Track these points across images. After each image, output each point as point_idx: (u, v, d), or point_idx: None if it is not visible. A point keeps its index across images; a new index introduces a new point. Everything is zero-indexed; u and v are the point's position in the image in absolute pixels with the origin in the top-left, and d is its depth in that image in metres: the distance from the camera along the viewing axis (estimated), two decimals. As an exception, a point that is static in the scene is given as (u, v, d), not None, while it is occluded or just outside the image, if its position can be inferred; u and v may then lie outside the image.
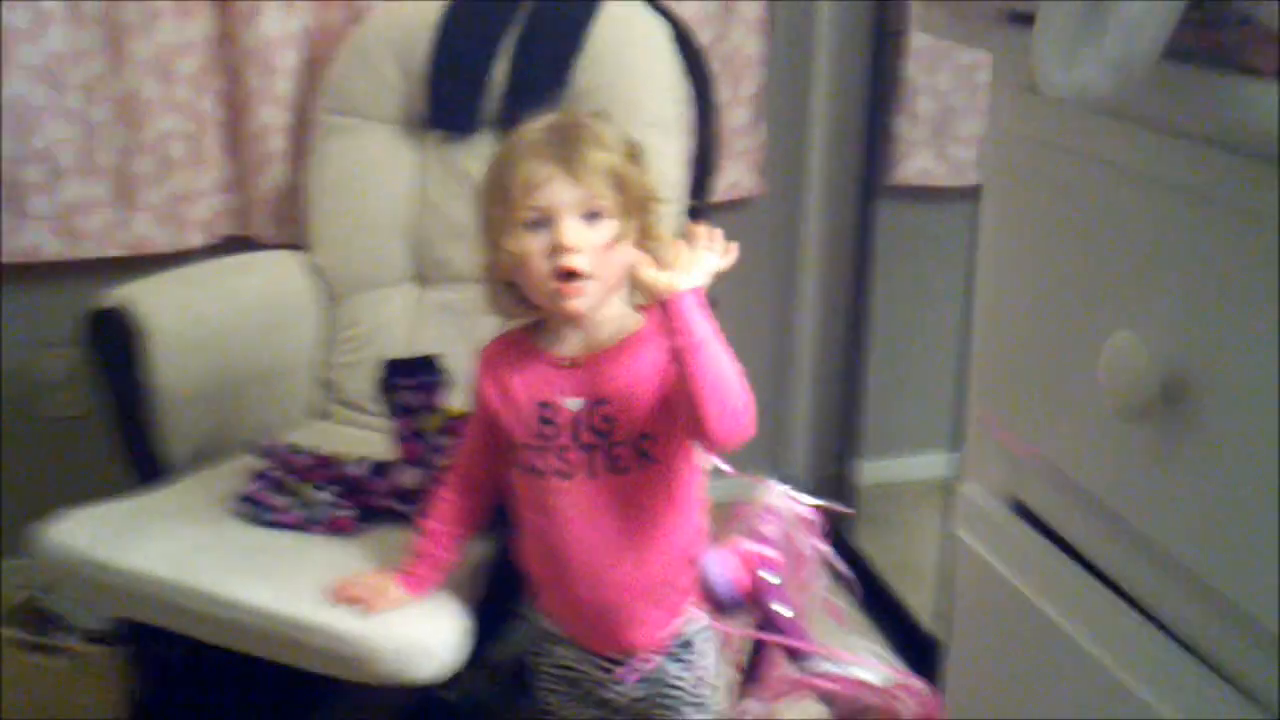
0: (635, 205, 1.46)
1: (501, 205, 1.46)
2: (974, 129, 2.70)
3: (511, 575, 1.68)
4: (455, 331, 2.16)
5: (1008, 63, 1.01)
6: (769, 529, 1.24)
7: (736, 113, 2.58)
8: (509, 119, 2.14)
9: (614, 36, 2.12)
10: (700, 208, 2.12)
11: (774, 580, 1.16)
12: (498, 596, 1.68)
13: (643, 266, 1.36)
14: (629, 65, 2.11)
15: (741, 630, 1.16)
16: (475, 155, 2.18)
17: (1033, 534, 0.98)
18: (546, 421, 1.48)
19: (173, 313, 1.93)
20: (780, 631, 1.12)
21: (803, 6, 2.63)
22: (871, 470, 2.76)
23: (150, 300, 1.92)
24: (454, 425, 1.92)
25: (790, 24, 2.63)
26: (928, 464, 2.86)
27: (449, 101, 2.18)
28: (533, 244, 1.44)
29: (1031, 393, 0.99)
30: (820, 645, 1.02)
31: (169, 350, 1.90)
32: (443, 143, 2.20)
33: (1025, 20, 0.84)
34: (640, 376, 1.46)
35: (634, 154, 1.48)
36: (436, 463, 1.83)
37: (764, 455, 1.37)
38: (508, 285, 1.51)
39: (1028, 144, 0.99)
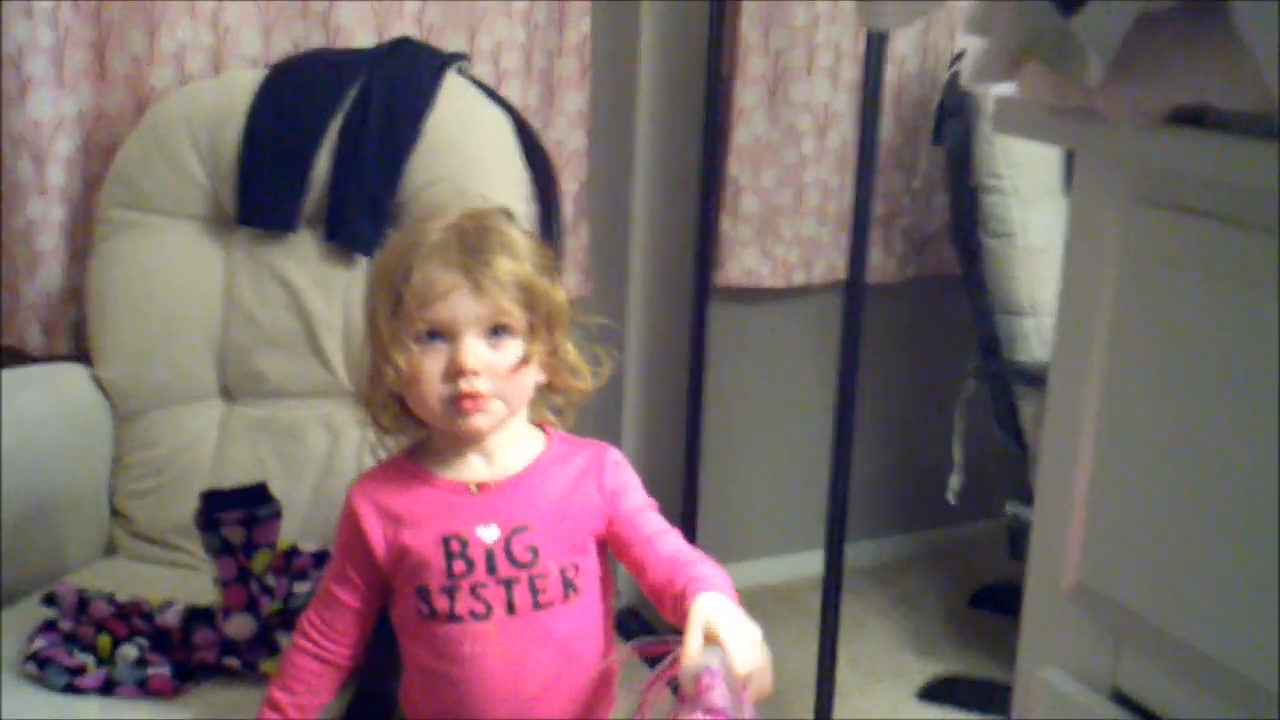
0: (543, 322, 1.28)
1: (392, 314, 1.26)
2: (798, 229, 2.63)
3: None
4: (271, 453, 1.91)
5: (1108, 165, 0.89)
6: (717, 697, 1.06)
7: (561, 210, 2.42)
8: (334, 217, 1.93)
9: (453, 127, 1.93)
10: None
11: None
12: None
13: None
14: (470, 159, 1.92)
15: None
16: (292, 256, 1.95)
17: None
18: (456, 556, 1.28)
19: (-64, 439, 1.62)
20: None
21: (625, 99, 2.52)
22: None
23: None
24: (286, 563, 1.68)
25: (613, 118, 2.51)
26: (763, 569, 2.76)
27: (262, 196, 1.94)
28: (427, 361, 1.25)
29: (1147, 545, 0.86)
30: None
31: (-66, 484, 1.59)
32: (254, 242, 1.95)
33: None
34: (560, 500, 1.30)
35: (545, 263, 1.30)
36: (266, 607, 1.58)
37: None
38: (391, 397, 1.31)
39: (1138, 257, 0.87)
